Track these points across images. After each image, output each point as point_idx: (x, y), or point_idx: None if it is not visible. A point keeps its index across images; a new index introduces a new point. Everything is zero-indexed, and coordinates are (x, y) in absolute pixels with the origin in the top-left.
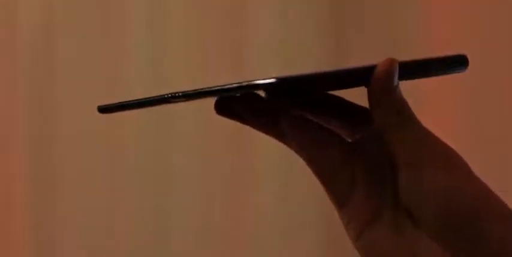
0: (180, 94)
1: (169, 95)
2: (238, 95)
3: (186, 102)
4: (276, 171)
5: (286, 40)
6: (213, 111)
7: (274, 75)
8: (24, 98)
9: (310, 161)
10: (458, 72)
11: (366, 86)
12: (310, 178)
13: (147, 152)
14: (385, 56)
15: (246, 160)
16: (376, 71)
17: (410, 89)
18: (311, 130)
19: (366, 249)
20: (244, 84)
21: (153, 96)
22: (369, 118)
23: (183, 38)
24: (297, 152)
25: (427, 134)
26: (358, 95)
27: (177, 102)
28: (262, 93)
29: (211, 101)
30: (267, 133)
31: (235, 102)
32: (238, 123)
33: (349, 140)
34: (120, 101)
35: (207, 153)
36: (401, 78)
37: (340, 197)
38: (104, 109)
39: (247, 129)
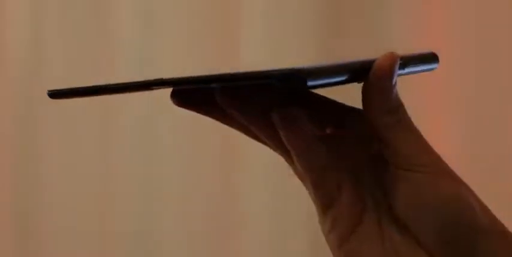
0: (163, 81)
1: (153, 82)
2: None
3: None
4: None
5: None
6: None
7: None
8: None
9: (298, 162)
10: (431, 70)
11: (359, 82)
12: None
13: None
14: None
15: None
16: (378, 67)
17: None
18: (294, 127)
19: None
20: (205, 76)
21: (136, 81)
22: (336, 110)
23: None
24: (275, 150)
25: (420, 137)
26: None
27: (158, 89)
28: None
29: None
30: (224, 122)
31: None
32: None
33: (318, 133)
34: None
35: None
36: None
37: (325, 201)
38: (54, 94)
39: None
